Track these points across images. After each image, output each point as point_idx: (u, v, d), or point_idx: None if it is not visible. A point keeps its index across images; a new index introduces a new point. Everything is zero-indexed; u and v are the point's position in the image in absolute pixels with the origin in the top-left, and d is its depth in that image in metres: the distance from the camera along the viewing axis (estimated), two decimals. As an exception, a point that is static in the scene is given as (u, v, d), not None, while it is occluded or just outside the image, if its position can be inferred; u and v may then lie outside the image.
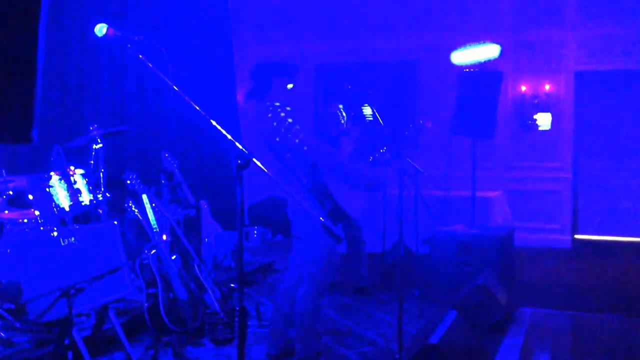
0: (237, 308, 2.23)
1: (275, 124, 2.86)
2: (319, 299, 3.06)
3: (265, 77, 3.06)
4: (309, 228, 3.00)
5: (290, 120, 2.78)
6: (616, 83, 6.87)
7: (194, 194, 4.80)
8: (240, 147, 1.54)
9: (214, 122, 1.55)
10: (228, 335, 3.47)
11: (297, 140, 2.58)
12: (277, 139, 2.81)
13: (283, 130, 2.75)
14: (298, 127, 2.68)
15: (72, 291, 2.64)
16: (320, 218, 1.80)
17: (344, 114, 3.36)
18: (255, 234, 6.72)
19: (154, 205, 3.47)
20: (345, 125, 3.34)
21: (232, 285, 3.75)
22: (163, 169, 4.69)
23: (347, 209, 2.95)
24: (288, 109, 2.90)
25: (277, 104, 2.94)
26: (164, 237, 3.40)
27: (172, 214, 4.40)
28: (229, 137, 1.55)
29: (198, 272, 3.76)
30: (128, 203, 3.49)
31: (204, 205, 5.13)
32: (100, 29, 1.61)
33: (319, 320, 3.10)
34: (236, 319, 3.40)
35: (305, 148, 2.70)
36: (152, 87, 5.72)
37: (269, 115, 2.84)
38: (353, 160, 3.08)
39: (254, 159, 1.55)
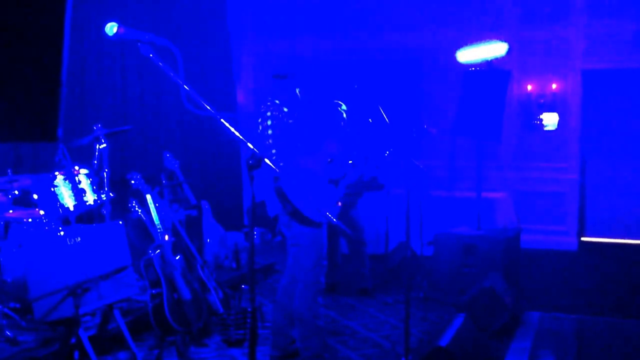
0: (249, 309, 2.22)
1: (259, 119, 2.95)
2: (316, 297, 3.06)
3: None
4: (298, 231, 3.00)
5: (269, 122, 2.86)
6: (625, 82, 6.81)
7: (195, 194, 4.80)
8: (251, 147, 1.52)
9: (226, 123, 1.53)
10: (240, 337, 3.46)
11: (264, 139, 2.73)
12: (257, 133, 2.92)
13: (260, 129, 2.86)
14: (270, 132, 2.77)
15: (79, 290, 2.63)
16: (333, 218, 1.78)
17: (344, 114, 3.35)
18: (255, 234, 6.72)
19: (157, 205, 3.47)
20: (344, 124, 3.33)
21: (242, 286, 3.75)
22: (164, 169, 4.69)
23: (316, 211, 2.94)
24: (285, 109, 2.97)
25: (277, 101, 2.99)
26: (166, 237, 3.39)
27: (174, 214, 4.40)
28: (241, 137, 1.53)
29: (201, 272, 3.76)
30: (131, 203, 3.49)
31: (205, 205, 5.13)
32: (111, 28, 1.59)
33: (320, 318, 3.09)
34: (248, 320, 3.39)
35: (273, 151, 2.83)
36: (154, 86, 5.71)
37: (262, 109, 2.96)
38: (337, 158, 3.09)
39: (266, 159, 1.54)
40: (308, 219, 2.87)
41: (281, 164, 2.87)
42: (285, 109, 3.01)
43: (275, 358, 3.19)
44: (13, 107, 4.08)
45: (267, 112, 2.97)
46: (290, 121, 2.95)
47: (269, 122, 2.92)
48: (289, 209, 2.88)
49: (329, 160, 3.05)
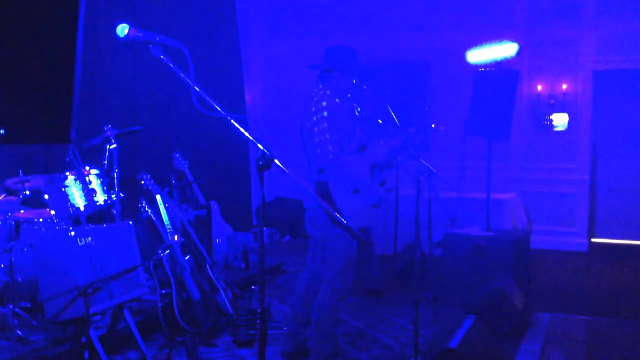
0: (259, 309, 2.23)
1: (313, 109, 2.91)
2: (339, 304, 3.03)
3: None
4: (328, 233, 2.98)
5: (325, 113, 2.82)
6: (636, 82, 6.75)
7: (204, 194, 4.81)
8: (261, 147, 1.52)
9: (236, 124, 1.53)
10: (250, 337, 3.46)
11: (315, 129, 2.68)
12: (308, 125, 2.87)
13: (314, 119, 2.82)
14: (326, 124, 2.74)
15: (89, 290, 2.65)
16: (343, 220, 1.77)
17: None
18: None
19: (166, 205, 3.48)
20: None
21: (252, 287, 3.75)
22: (174, 169, 4.71)
23: (355, 217, 2.89)
24: (337, 100, 2.94)
25: (329, 92, 2.97)
26: (176, 237, 3.40)
27: (184, 215, 4.41)
28: (252, 139, 1.53)
29: (210, 272, 3.76)
30: (141, 203, 3.50)
31: (214, 206, 5.14)
32: (122, 29, 1.61)
33: (338, 325, 3.07)
34: (258, 320, 3.40)
35: (327, 136, 2.78)
36: (164, 87, 5.74)
37: (315, 98, 2.91)
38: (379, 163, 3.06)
39: (276, 160, 1.54)
40: (338, 220, 2.83)
41: (330, 157, 2.79)
42: (337, 100, 2.98)
43: (286, 354, 3.19)
44: (26, 109, 4.12)
45: (322, 101, 2.90)
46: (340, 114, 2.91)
47: (325, 114, 2.83)
48: (326, 204, 2.84)
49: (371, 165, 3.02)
